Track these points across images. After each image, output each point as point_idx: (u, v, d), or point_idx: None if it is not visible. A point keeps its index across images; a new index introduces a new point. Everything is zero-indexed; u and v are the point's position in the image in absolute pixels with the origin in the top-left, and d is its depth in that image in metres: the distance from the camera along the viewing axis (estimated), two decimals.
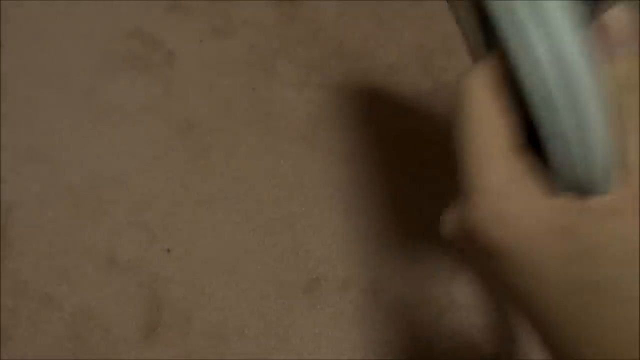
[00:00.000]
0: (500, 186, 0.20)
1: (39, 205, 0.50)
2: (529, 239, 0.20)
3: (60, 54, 0.61)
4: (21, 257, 0.48)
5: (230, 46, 0.63)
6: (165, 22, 0.65)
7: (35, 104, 0.57)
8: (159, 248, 0.49)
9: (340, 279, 0.47)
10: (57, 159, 0.53)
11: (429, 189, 0.52)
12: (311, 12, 0.66)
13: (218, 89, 0.55)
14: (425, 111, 0.57)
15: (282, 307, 0.46)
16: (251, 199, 0.51)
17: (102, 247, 0.48)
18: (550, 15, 0.20)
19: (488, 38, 0.25)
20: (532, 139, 0.21)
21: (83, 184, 0.52)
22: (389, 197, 0.51)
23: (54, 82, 0.59)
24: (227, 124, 0.54)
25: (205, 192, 0.51)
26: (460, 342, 0.47)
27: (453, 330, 0.47)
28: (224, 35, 0.64)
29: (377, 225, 0.50)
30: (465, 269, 0.49)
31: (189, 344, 0.44)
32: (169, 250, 0.49)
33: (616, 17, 0.21)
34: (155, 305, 0.45)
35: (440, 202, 0.25)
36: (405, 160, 0.53)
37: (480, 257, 0.22)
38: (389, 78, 0.55)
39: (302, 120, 0.54)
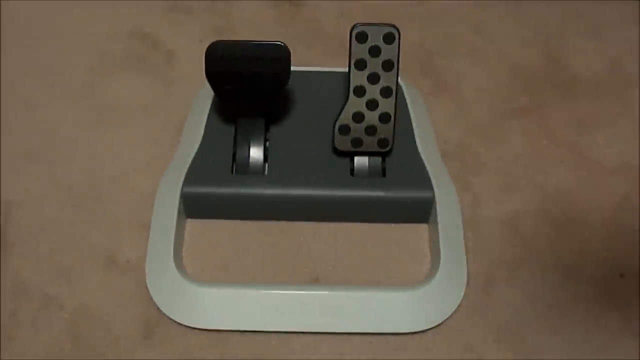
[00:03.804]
0: None
1: (39, 205, 0.50)
2: None
3: (61, 54, 0.61)
4: (21, 257, 0.48)
5: None
6: (165, 22, 0.65)
7: (35, 104, 0.57)
8: None
9: (341, 279, 0.47)
10: (57, 159, 0.53)
11: None
12: (311, 12, 0.66)
13: None
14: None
15: None
16: None
17: (102, 247, 0.48)
18: None
19: None
20: None
21: (83, 184, 0.52)
22: None
23: (54, 82, 0.59)
24: None
25: None
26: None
27: None
28: (224, 35, 0.64)
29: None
30: None
31: (188, 343, 0.44)
32: None
33: None
34: (155, 305, 0.45)
35: None
36: None
37: None
38: None
39: None
